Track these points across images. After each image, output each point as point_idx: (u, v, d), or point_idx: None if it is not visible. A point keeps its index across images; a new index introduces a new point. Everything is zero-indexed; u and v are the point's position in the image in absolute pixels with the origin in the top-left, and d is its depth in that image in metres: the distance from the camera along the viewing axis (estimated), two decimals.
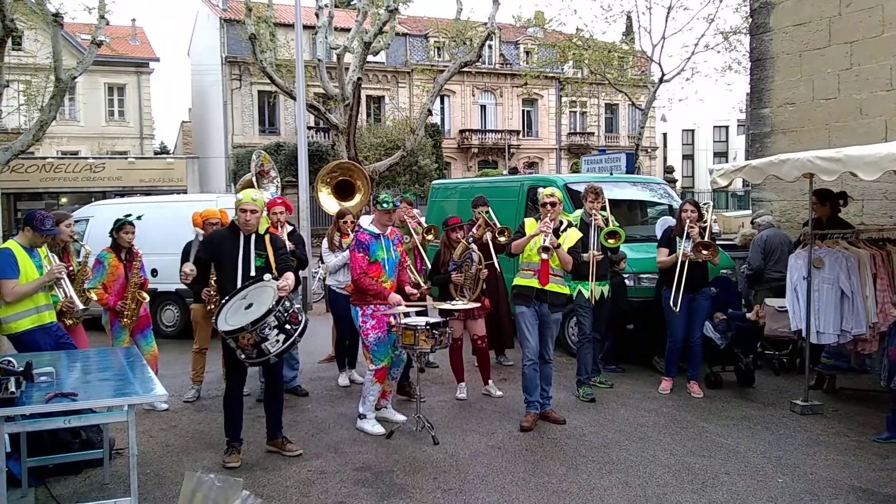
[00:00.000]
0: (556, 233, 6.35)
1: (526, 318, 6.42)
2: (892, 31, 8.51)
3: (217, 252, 5.63)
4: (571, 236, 6.51)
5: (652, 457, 5.69)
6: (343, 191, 9.13)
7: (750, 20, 10.83)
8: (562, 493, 5.02)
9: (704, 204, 7.76)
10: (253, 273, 5.52)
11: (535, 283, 6.36)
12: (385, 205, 6.29)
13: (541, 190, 6.56)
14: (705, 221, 7.45)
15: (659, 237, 7.89)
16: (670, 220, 8.17)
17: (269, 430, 5.91)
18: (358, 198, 9.20)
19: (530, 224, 6.51)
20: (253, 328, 5.09)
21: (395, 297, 6.21)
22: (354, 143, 19.26)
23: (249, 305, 5.28)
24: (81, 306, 6.25)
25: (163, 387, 4.39)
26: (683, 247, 7.28)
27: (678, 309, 7.26)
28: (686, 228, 7.31)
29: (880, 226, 8.41)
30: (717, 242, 10.75)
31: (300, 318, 5.42)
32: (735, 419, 6.64)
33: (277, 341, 5.21)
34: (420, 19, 42.30)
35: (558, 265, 6.39)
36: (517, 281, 6.54)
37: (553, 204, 6.37)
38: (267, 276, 5.38)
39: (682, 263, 7.24)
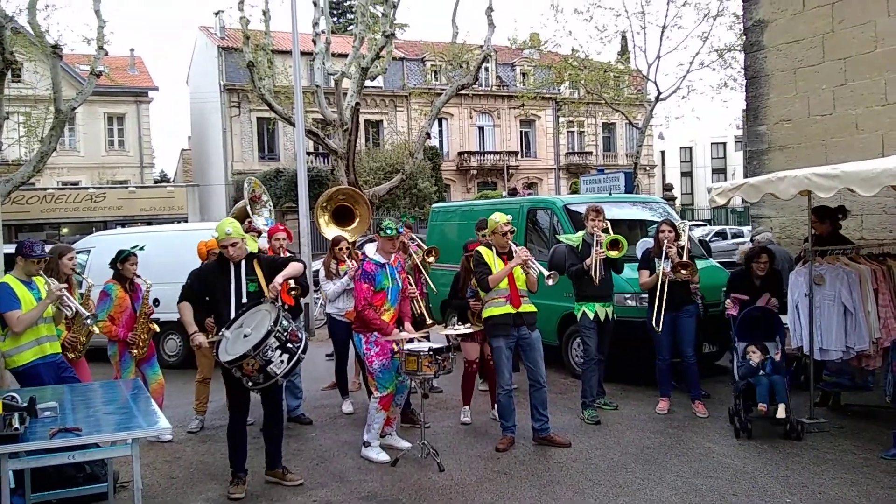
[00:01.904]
0: (511, 255, 6.47)
1: (503, 351, 6.48)
2: (885, 47, 8.58)
3: (209, 285, 5.64)
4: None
5: (659, 479, 5.66)
6: (342, 217, 9.14)
7: (744, 38, 10.91)
8: None
9: (681, 224, 7.84)
10: (245, 300, 5.53)
11: (509, 308, 6.41)
12: (388, 231, 6.31)
13: (495, 219, 6.55)
14: (682, 241, 7.52)
15: (639, 258, 7.90)
16: (649, 242, 8.20)
17: (269, 460, 5.87)
18: (357, 222, 9.20)
19: (486, 253, 6.56)
20: (255, 353, 5.09)
21: (397, 334, 6.25)
22: (354, 168, 19.34)
23: (247, 334, 5.28)
24: (87, 314, 6.20)
25: (166, 419, 4.38)
26: (662, 266, 7.33)
27: (661, 328, 7.30)
28: (664, 249, 7.36)
29: (880, 240, 8.43)
30: (717, 261, 10.84)
31: (300, 335, 5.42)
32: (741, 439, 6.61)
33: (282, 362, 5.20)
34: (416, 43, 42.60)
35: (524, 286, 6.50)
36: (490, 312, 6.51)
37: (512, 231, 6.58)
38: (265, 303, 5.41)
39: (662, 283, 7.29)
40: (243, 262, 5.63)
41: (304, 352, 5.35)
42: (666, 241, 7.39)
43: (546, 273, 6.36)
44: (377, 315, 6.24)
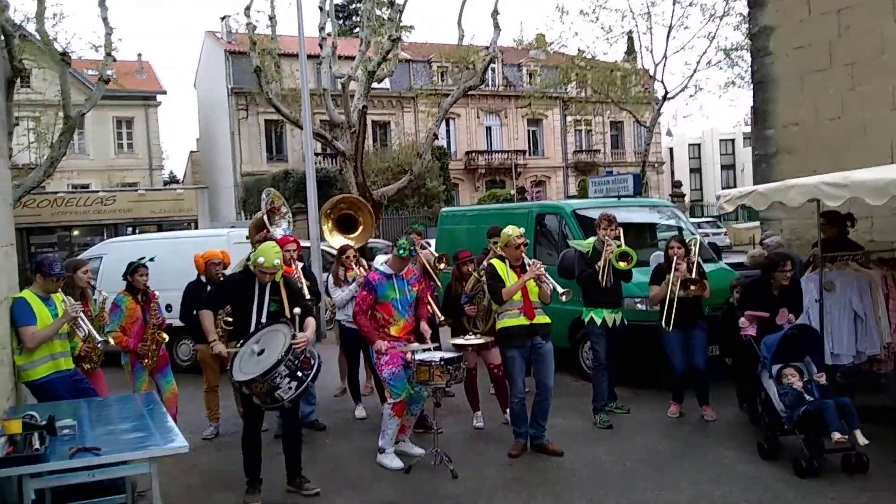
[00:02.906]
0: (524, 267, 6.50)
1: (516, 361, 6.53)
2: (892, 52, 8.56)
3: (233, 298, 5.72)
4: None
5: (672, 486, 5.70)
6: (346, 225, 9.18)
7: (750, 43, 10.90)
8: None
9: (690, 240, 7.83)
10: (264, 318, 5.60)
11: (523, 320, 6.46)
12: (401, 252, 6.37)
13: (508, 232, 6.58)
14: (693, 257, 7.53)
15: (651, 273, 7.90)
16: (661, 257, 8.23)
17: (288, 471, 5.94)
18: (360, 231, 9.25)
19: (499, 266, 6.59)
20: (264, 379, 5.16)
21: (380, 343, 6.32)
22: (362, 169, 19.41)
23: (262, 352, 5.34)
24: (100, 339, 6.28)
25: (182, 435, 4.45)
26: (671, 278, 7.31)
27: (673, 339, 7.34)
28: (674, 265, 7.37)
29: (891, 242, 8.43)
30: (726, 262, 10.85)
31: (312, 362, 5.46)
32: (753, 444, 6.60)
33: (290, 388, 5.28)
34: (423, 45, 42.61)
35: (537, 298, 6.52)
36: (504, 323, 6.56)
37: (525, 244, 6.61)
38: (297, 312, 5.52)
39: (673, 293, 7.28)
40: (269, 282, 5.72)
41: (314, 379, 5.41)
42: (675, 259, 7.42)
43: (560, 290, 6.39)
44: (368, 322, 6.37)
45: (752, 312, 6.73)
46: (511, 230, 6.60)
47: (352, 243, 8.57)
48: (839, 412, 5.72)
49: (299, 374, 5.28)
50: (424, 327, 6.63)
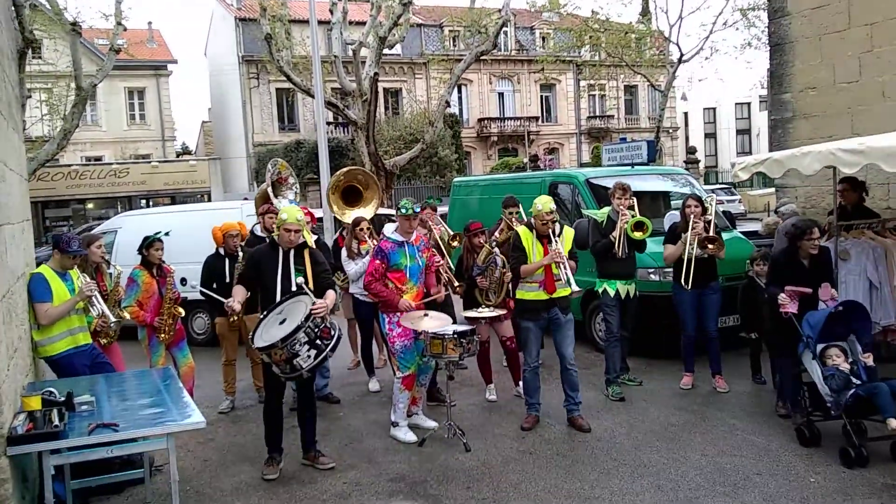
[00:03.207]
0: (551, 239, 6.43)
1: (532, 331, 6.54)
2: None
3: (260, 269, 5.75)
4: (568, 237, 6.64)
5: (683, 458, 5.73)
6: (351, 197, 9.11)
7: (768, 3, 10.71)
8: (594, 500, 5.08)
9: (707, 198, 7.75)
10: (293, 287, 5.62)
11: (542, 294, 6.43)
12: (404, 210, 6.35)
13: (538, 206, 6.42)
14: (709, 215, 7.44)
15: (666, 231, 7.84)
16: (677, 216, 8.14)
17: (304, 445, 6.00)
18: (370, 205, 9.15)
19: (525, 235, 6.52)
20: (283, 345, 5.18)
21: (404, 302, 6.30)
22: (374, 138, 19.35)
23: (283, 320, 5.37)
24: (113, 319, 6.36)
25: (198, 410, 4.51)
26: (688, 237, 7.26)
27: (686, 304, 7.34)
28: (691, 223, 7.31)
29: None
30: (741, 230, 10.77)
31: (332, 332, 5.47)
32: (765, 415, 6.63)
33: (309, 357, 5.28)
34: (434, 9, 42.19)
35: (558, 271, 6.41)
36: (522, 295, 6.58)
37: (554, 221, 6.44)
38: (300, 282, 5.50)
39: (690, 252, 7.23)
40: (293, 252, 5.74)
41: (333, 349, 5.42)
42: (692, 217, 7.34)
43: (574, 287, 6.31)
44: (384, 286, 6.35)
45: (793, 288, 6.10)
46: (542, 203, 6.42)
47: (365, 215, 8.54)
48: (893, 396, 5.32)
49: (318, 342, 5.30)
50: (435, 290, 6.69)
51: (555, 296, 6.44)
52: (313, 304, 5.33)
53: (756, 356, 7.69)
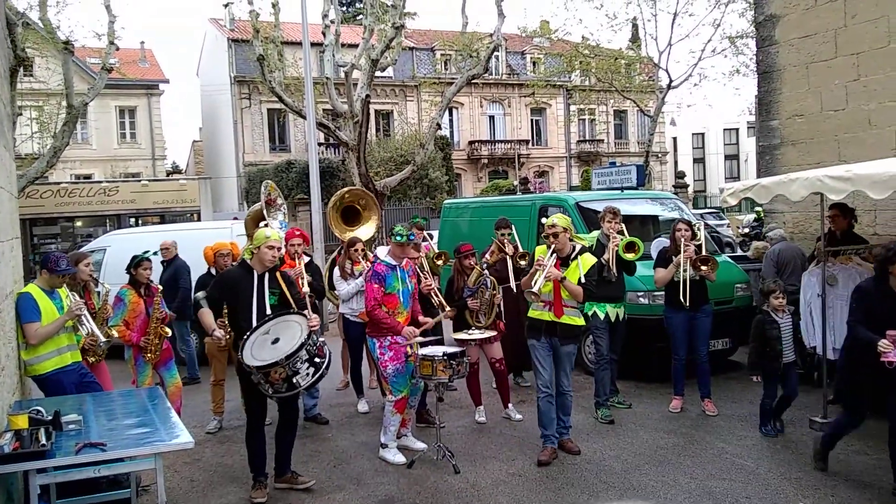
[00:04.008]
0: (567, 261, 6.21)
1: (538, 350, 6.29)
2: None
3: (232, 291, 5.70)
4: (585, 262, 6.25)
5: (673, 481, 5.72)
6: (351, 217, 9.16)
7: (756, 32, 10.85)
8: None
9: (696, 223, 7.84)
10: (268, 311, 5.61)
11: (548, 315, 6.20)
12: (399, 238, 6.36)
13: (544, 220, 6.41)
14: (698, 240, 7.53)
15: (655, 258, 7.90)
16: (665, 241, 8.22)
17: (278, 467, 5.89)
18: (366, 226, 9.21)
19: (541, 251, 6.36)
20: (287, 362, 5.18)
21: (409, 330, 6.28)
22: (365, 160, 19.38)
23: (276, 340, 5.36)
24: (104, 339, 6.33)
25: (186, 430, 4.48)
26: (680, 261, 7.29)
27: (678, 328, 7.35)
28: (682, 248, 7.37)
29: (894, 236, 8.42)
30: (730, 255, 10.84)
31: (325, 350, 5.50)
32: (754, 439, 6.65)
33: (308, 374, 5.29)
34: (426, 33, 42.53)
35: (569, 297, 6.21)
36: (530, 313, 6.38)
37: (556, 234, 6.21)
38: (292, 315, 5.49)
39: (684, 280, 7.26)
40: (266, 274, 5.71)
41: (328, 367, 5.43)
42: (683, 240, 7.40)
43: (535, 288, 6.11)
44: (388, 315, 6.31)
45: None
46: (558, 220, 6.31)
47: (361, 236, 8.56)
48: None
49: (316, 359, 5.32)
50: (423, 320, 6.60)
51: (561, 321, 6.19)
52: (308, 320, 5.34)
53: (775, 403, 6.89)
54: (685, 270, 7.29)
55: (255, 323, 5.52)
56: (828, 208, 7.41)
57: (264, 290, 5.67)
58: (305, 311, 5.62)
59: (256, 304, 5.62)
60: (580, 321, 6.37)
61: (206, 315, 5.71)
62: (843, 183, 6.02)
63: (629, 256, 7.27)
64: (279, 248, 5.72)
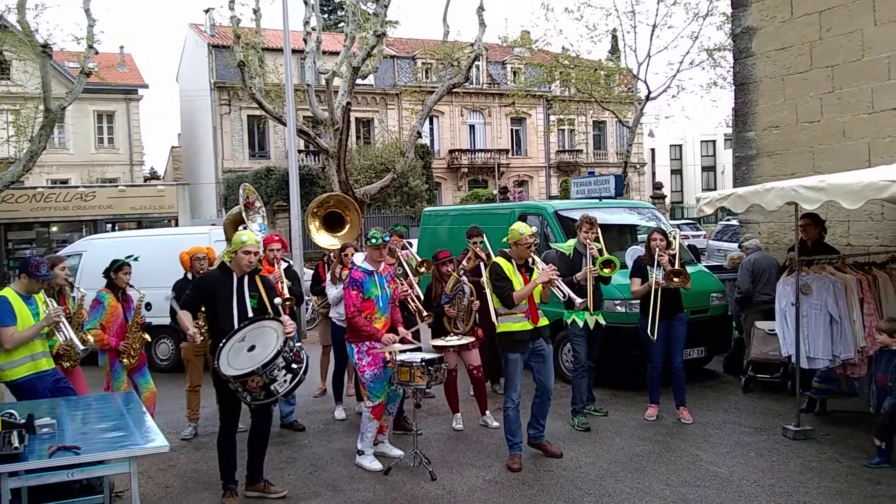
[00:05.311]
0: (529, 267, 6.35)
1: (518, 364, 6.29)
2: (871, 55, 8.67)
3: (210, 295, 5.67)
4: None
5: (647, 488, 5.76)
6: (333, 223, 9.14)
7: (733, 44, 10.99)
8: None
9: (671, 231, 7.91)
10: (250, 314, 5.58)
11: (528, 325, 6.25)
12: (374, 241, 6.37)
13: (519, 230, 6.28)
14: (674, 249, 7.59)
15: (630, 267, 7.97)
16: (639, 250, 8.29)
17: (250, 474, 5.82)
18: (347, 229, 9.20)
19: (506, 266, 6.29)
20: (263, 371, 5.15)
21: (388, 337, 6.27)
22: (345, 167, 19.35)
23: (252, 347, 5.33)
24: (81, 347, 6.26)
25: (162, 435, 4.45)
26: (655, 275, 7.39)
27: (655, 337, 7.37)
28: (656, 257, 7.43)
29: (866, 247, 8.56)
30: (706, 264, 10.95)
31: (302, 355, 5.48)
32: (728, 446, 6.71)
33: (285, 381, 5.28)
34: (408, 41, 42.58)
35: (540, 300, 6.35)
36: (507, 327, 6.28)
37: (536, 244, 6.41)
38: (279, 302, 5.51)
39: (656, 292, 7.35)
40: (246, 278, 5.69)
41: (305, 372, 5.40)
42: (657, 250, 7.47)
43: (578, 301, 6.34)
44: (367, 322, 6.30)
45: None
46: (522, 228, 6.29)
47: (337, 241, 8.54)
48: None
49: (294, 366, 5.30)
50: (403, 332, 6.54)
51: (539, 325, 6.33)
52: (284, 327, 5.32)
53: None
54: (657, 281, 7.36)
55: (236, 325, 5.49)
56: (800, 217, 7.52)
57: (244, 292, 5.65)
58: (282, 318, 5.59)
59: (237, 307, 5.59)
60: (547, 320, 6.51)
61: (185, 317, 5.68)
62: (818, 193, 6.11)
63: (606, 272, 7.31)
64: (256, 253, 5.70)
